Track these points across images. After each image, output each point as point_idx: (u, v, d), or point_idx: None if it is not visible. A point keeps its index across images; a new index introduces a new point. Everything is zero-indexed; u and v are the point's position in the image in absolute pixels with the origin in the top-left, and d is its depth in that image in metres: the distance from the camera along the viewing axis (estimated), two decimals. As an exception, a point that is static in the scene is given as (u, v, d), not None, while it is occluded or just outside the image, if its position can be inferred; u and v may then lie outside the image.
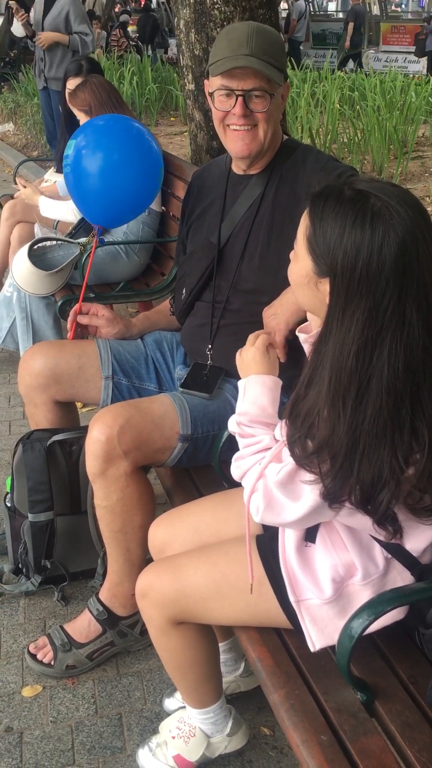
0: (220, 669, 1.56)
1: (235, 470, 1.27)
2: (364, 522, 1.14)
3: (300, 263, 1.14)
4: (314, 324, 1.24)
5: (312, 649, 1.23)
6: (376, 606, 1.13)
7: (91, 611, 1.82)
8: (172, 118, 9.64)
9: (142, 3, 20.70)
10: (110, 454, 1.62)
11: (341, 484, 1.08)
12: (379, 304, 1.03)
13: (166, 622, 1.40)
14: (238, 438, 1.31)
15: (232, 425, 1.33)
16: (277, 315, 1.71)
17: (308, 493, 1.14)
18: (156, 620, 1.41)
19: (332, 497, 1.10)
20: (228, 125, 1.71)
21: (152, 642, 1.46)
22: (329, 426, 1.07)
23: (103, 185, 2.13)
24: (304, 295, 1.18)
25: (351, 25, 14.24)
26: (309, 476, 1.11)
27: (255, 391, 1.34)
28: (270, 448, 1.23)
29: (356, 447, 1.06)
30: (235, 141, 1.73)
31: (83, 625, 1.83)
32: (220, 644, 1.65)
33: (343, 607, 1.22)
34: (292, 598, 1.23)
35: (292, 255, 1.20)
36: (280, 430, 1.21)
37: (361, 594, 1.22)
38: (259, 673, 1.29)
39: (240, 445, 1.30)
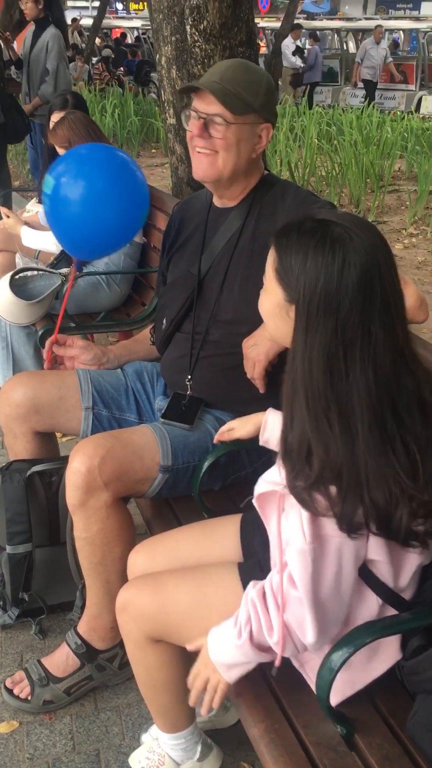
0: None
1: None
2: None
3: (270, 295, 1.18)
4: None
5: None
6: (354, 639, 1.14)
7: (69, 645, 1.80)
8: (153, 150, 9.78)
9: (120, 35, 21.04)
10: (91, 485, 1.62)
11: (353, 506, 1.08)
12: (345, 323, 1.07)
13: (144, 638, 1.40)
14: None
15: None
16: (257, 346, 1.73)
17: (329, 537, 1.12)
18: (134, 635, 1.40)
19: (348, 523, 1.09)
20: (194, 147, 1.75)
21: (129, 658, 1.45)
22: (323, 447, 1.08)
23: (84, 218, 2.10)
24: (276, 326, 1.21)
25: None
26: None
27: None
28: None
29: (358, 465, 1.07)
30: (196, 163, 1.77)
31: (61, 659, 1.81)
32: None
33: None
34: None
35: (262, 291, 1.23)
36: (279, 474, 1.19)
37: None
38: (238, 706, 1.28)
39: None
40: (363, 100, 13.96)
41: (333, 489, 1.09)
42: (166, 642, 1.40)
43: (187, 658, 1.45)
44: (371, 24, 16.37)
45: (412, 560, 1.19)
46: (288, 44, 14.56)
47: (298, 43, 14.94)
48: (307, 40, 16.48)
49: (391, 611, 1.20)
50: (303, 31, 15.64)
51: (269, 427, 1.50)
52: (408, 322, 1.15)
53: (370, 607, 1.20)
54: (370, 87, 14.20)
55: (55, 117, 3.27)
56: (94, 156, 2.18)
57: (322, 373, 1.07)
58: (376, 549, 1.16)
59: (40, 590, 1.99)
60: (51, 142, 3.13)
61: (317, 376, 1.08)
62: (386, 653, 1.21)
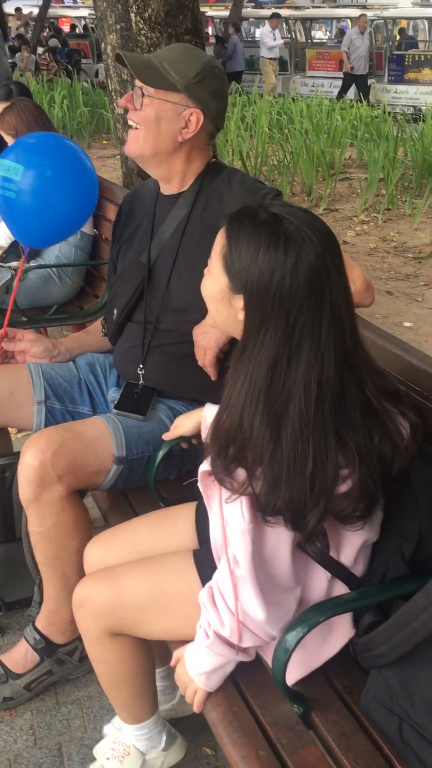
0: (155, 683, 1.55)
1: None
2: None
3: (214, 280, 1.19)
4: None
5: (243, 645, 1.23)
6: (307, 618, 1.15)
7: (27, 640, 1.79)
8: (104, 141, 9.68)
9: (69, 26, 20.75)
10: (44, 479, 1.61)
11: (270, 493, 1.10)
12: (294, 325, 1.08)
13: (102, 633, 1.39)
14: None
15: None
16: (207, 333, 1.73)
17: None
18: (92, 631, 1.40)
19: (264, 507, 1.11)
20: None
21: (88, 654, 1.45)
22: (249, 435, 1.10)
23: (35, 204, 2.09)
24: (216, 310, 1.22)
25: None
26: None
27: None
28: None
29: (280, 460, 1.09)
30: (128, 139, 1.79)
31: (20, 655, 1.79)
32: (157, 670, 1.64)
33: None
34: None
35: (205, 271, 1.24)
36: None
37: None
38: (216, 724, 1.28)
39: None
40: (313, 89, 14.01)
41: (246, 471, 1.11)
42: (124, 635, 1.40)
43: (146, 649, 1.45)
44: (319, 12, 16.42)
45: (357, 536, 1.21)
46: (266, 33, 14.44)
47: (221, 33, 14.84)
48: (230, 29, 16.37)
49: (342, 587, 1.22)
50: (280, 19, 15.45)
51: (208, 421, 1.50)
52: (356, 323, 1.16)
53: (320, 582, 1.22)
54: (360, 80, 13.42)
55: (0, 107, 3.21)
56: (43, 145, 2.17)
57: (266, 372, 1.09)
58: None
59: (-4, 587, 1.97)
60: None
61: (260, 373, 1.09)
62: (340, 632, 1.23)
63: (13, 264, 3.01)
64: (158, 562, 1.39)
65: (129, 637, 1.40)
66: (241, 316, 1.13)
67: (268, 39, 14.39)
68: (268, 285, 1.08)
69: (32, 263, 3.01)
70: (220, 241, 1.17)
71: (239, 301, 1.13)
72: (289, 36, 16.82)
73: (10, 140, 3.00)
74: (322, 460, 1.09)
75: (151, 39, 3.28)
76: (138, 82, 1.70)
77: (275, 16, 14.91)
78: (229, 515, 1.16)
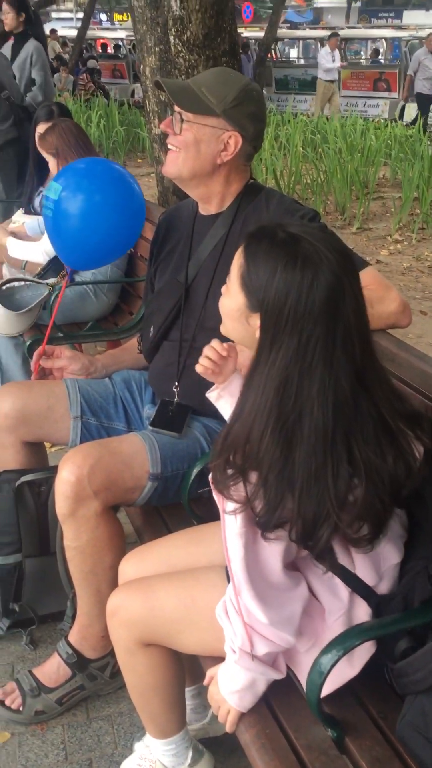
0: (185, 699, 1.55)
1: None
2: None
3: (232, 298, 1.21)
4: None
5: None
6: (344, 641, 1.15)
7: (60, 654, 1.80)
8: (138, 160, 9.81)
9: (109, 47, 21.13)
10: (80, 495, 1.62)
11: (272, 509, 1.11)
12: (307, 343, 1.09)
13: (134, 643, 1.40)
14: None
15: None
16: (242, 352, 1.74)
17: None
18: (124, 640, 1.41)
19: (265, 523, 1.12)
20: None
21: (119, 663, 1.46)
22: (258, 449, 1.11)
23: (84, 229, 2.11)
24: (234, 327, 1.25)
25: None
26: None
27: None
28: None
29: (292, 476, 1.10)
30: (166, 160, 1.81)
31: (52, 669, 1.81)
32: (187, 689, 1.65)
33: (312, 644, 1.24)
34: None
35: (223, 289, 1.26)
36: None
37: (331, 632, 1.23)
38: (249, 746, 1.28)
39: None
40: (347, 108, 14.03)
41: (254, 485, 1.12)
42: (155, 646, 1.40)
43: (177, 663, 1.46)
44: (354, 33, 16.44)
45: (376, 555, 1.20)
46: (324, 54, 14.18)
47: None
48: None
49: (362, 602, 1.22)
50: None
51: None
52: (375, 349, 1.18)
53: (340, 595, 1.22)
54: (423, 101, 12.64)
55: (41, 128, 3.28)
56: (92, 169, 2.20)
57: (276, 386, 1.10)
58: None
59: (30, 601, 1.99)
60: (39, 148, 3.14)
61: (272, 389, 1.10)
62: (361, 649, 1.21)
63: (51, 280, 3.06)
64: (192, 576, 1.41)
65: (161, 648, 1.41)
66: (257, 333, 1.15)
67: (326, 60, 14.07)
68: (283, 303, 1.10)
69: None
70: (238, 260, 1.19)
71: (256, 320, 1.15)
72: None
73: (50, 159, 3.06)
74: (334, 476, 1.10)
75: (189, 61, 3.32)
76: (177, 108, 1.73)
77: (333, 35, 14.63)
78: (226, 519, 1.17)
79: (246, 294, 1.17)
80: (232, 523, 1.16)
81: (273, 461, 1.10)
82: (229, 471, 1.15)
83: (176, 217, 2.02)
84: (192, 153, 1.74)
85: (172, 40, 3.28)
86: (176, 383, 1.88)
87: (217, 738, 1.72)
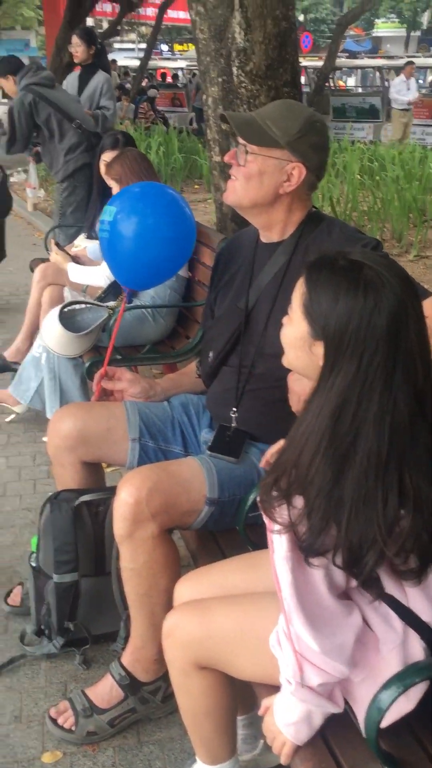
0: (236, 725, 1.54)
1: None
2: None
3: (295, 326, 1.22)
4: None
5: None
6: (403, 678, 1.13)
7: (113, 676, 1.81)
8: (196, 186, 9.94)
9: (168, 77, 21.59)
10: (138, 517, 1.64)
11: (316, 534, 1.11)
12: (368, 367, 1.09)
13: (188, 664, 1.40)
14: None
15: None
16: (301, 379, 1.73)
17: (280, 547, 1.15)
18: (179, 661, 1.41)
19: (308, 547, 1.12)
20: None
21: (173, 685, 1.45)
22: (305, 475, 1.11)
23: (137, 248, 2.17)
24: (296, 356, 1.25)
25: None
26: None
27: None
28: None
29: (340, 501, 1.10)
30: (227, 188, 1.84)
31: (105, 690, 1.81)
32: (239, 718, 1.63)
33: (367, 675, 1.21)
34: None
35: (285, 319, 1.27)
36: None
37: (386, 663, 1.21)
38: None
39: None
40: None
41: (298, 509, 1.12)
42: (210, 669, 1.40)
43: (230, 688, 1.45)
44: (423, 62, 16.27)
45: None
46: (398, 83, 14.11)
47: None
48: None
49: (414, 635, 1.19)
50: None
51: None
52: None
53: (393, 625, 1.19)
54: None
55: (107, 156, 3.37)
56: (146, 193, 2.26)
57: (332, 409, 1.10)
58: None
59: (84, 620, 2.01)
60: (105, 175, 3.23)
61: (328, 412, 1.11)
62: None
63: (111, 303, 3.12)
64: (250, 600, 1.40)
65: (215, 671, 1.40)
66: (320, 362, 1.15)
67: (401, 89, 13.96)
68: (345, 328, 1.10)
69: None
70: (300, 288, 1.20)
71: (319, 348, 1.15)
72: (381, 85, 16.94)
73: (114, 186, 3.14)
74: (383, 503, 1.09)
75: (251, 91, 3.37)
76: (241, 140, 1.76)
77: (409, 63, 14.49)
78: (273, 541, 1.17)
79: (309, 322, 1.17)
80: (279, 545, 1.16)
81: (322, 485, 1.10)
82: (275, 493, 1.15)
83: (237, 245, 2.05)
84: (255, 183, 1.76)
85: (234, 71, 3.35)
86: (234, 409, 1.89)
87: (268, 769, 1.70)
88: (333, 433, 1.10)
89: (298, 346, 1.22)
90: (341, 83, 20.63)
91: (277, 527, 1.15)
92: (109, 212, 2.18)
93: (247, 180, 1.76)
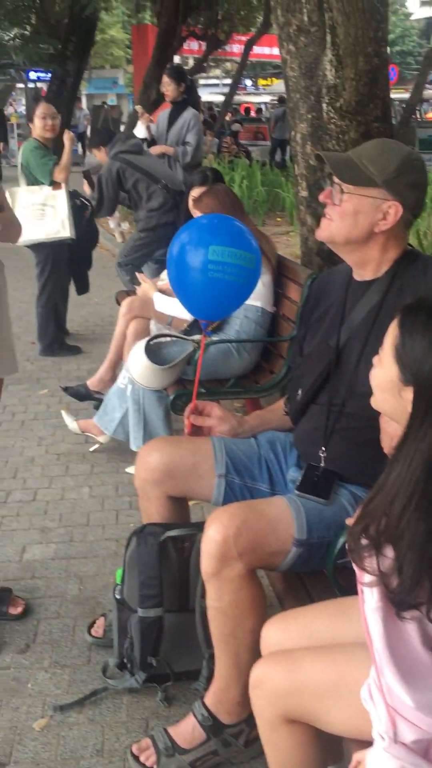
0: None
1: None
2: None
3: (385, 369, 1.20)
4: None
5: None
6: None
7: (195, 716, 1.79)
8: (278, 219, 10.00)
9: (252, 111, 21.95)
10: (225, 555, 1.63)
11: (409, 588, 1.07)
12: None
13: (277, 717, 1.37)
14: None
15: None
16: (390, 422, 1.70)
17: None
18: (267, 714, 1.38)
19: (400, 601, 1.08)
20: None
21: (261, 737, 1.42)
22: (396, 527, 1.08)
23: (203, 279, 2.13)
24: (385, 399, 1.23)
25: None
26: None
27: None
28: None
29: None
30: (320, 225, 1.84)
31: (187, 730, 1.79)
32: (328, 768, 1.58)
33: None
34: None
35: (375, 360, 1.25)
36: None
37: None
38: None
39: None
40: None
41: (389, 560, 1.09)
42: (299, 723, 1.36)
43: (320, 742, 1.40)
44: None
45: None
46: None
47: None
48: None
49: None
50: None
51: None
52: None
53: None
54: None
55: (196, 191, 3.44)
56: (214, 225, 2.26)
57: (425, 461, 1.08)
58: None
59: (167, 656, 2.00)
60: (194, 209, 3.28)
61: (420, 464, 1.08)
62: None
63: (196, 337, 3.15)
64: (340, 651, 1.36)
65: (304, 725, 1.36)
66: (409, 407, 1.12)
67: None
68: None
69: (214, 338, 3.14)
70: (393, 331, 1.18)
71: (409, 394, 1.13)
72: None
73: (203, 222, 3.18)
74: None
75: (341, 127, 3.38)
76: (336, 179, 1.75)
77: None
78: (363, 592, 1.14)
79: (399, 367, 1.15)
80: (369, 596, 1.13)
81: (414, 538, 1.07)
82: (364, 541, 1.12)
83: (329, 282, 2.04)
84: (349, 222, 1.76)
85: (324, 107, 3.36)
86: (323, 448, 1.86)
87: None
88: (426, 486, 1.07)
89: (387, 389, 1.20)
90: (428, 115, 20.45)
91: (367, 578, 1.12)
92: (174, 243, 2.18)
93: (341, 218, 1.76)
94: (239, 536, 1.63)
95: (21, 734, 1.91)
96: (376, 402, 1.28)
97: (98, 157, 5.04)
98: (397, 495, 1.09)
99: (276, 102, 19.29)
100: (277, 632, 1.52)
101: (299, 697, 1.33)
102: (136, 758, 1.79)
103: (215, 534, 1.64)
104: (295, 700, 1.34)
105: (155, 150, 5.73)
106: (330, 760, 1.59)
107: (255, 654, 1.61)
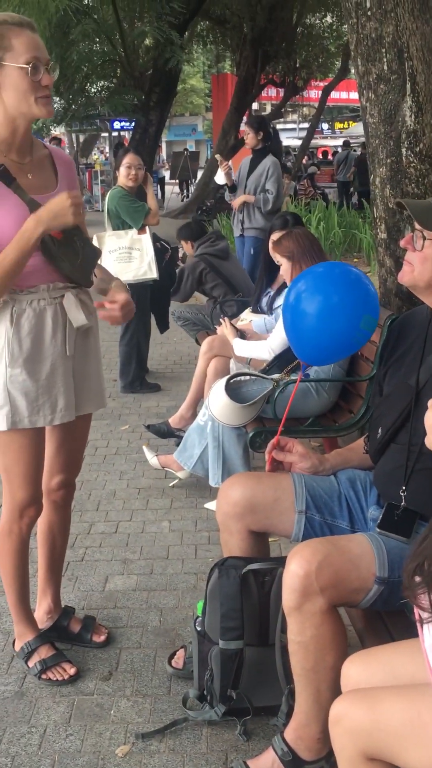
0: None
1: None
2: None
3: None
4: None
5: None
6: None
7: (275, 750, 1.80)
8: (355, 260, 10.03)
9: (330, 154, 22.18)
10: (307, 590, 1.66)
11: None
12: None
13: (357, 755, 1.37)
14: None
15: None
16: None
17: None
18: (348, 751, 1.39)
19: None
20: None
21: None
22: None
23: (320, 327, 2.12)
24: None
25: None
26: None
27: None
28: None
29: None
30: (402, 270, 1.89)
31: (267, 764, 1.81)
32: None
33: None
34: None
35: (430, 402, 1.29)
36: None
37: None
38: None
39: None
40: None
41: None
42: (379, 761, 1.37)
43: None
44: None
45: None
46: None
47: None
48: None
49: None
50: None
51: None
52: None
53: None
54: None
55: (275, 235, 3.54)
56: (330, 273, 2.27)
57: None
58: None
59: (246, 690, 2.02)
60: (274, 252, 3.38)
61: None
62: None
63: (275, 376, 3.21)
64: (419, 691, 1.36)
65: (384, 764, 1.37)
66: None
67: None
68: None
69: (293, 376, 3.19)
70: None
71: None
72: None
73: (284, 262, 3.27)
74: None
75: (420, 170, 3.43)
76: (418, 225, 1.80)
77: None
78: (423, 629, 1.17)
79: None
80: (427, 633, 1.15)
81: None
82: (417, 579, 1.15)
83: (409, 322, 2.07)
84: (429, 267, 1.80)
85: (404, 152, 3.42)
86: (403, 487, 1.88)
87: None
88: None
89: None
90: None
91: (425, 615, 1.14)
92: (290, 290, 2.21)
93: (422, 263, 1.80)
94: (321, 571, 1.66)
95: (104, 759, 1.97)
96: (429, 442, 1.31)
97: (185, 248, 5.27)
98: None
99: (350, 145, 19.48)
100: (357, 669, 1.54)
101: (378, 735, 1.34)
102: (216, 789, 1.82)
103: (298, 568, 1.68)
104: (375, 739, 1.34)
105: (237, 201, 5.90)
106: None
107: (335, 691, 1.63)
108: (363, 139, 3.89)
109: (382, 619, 1.81)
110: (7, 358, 2.00)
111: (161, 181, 18.80)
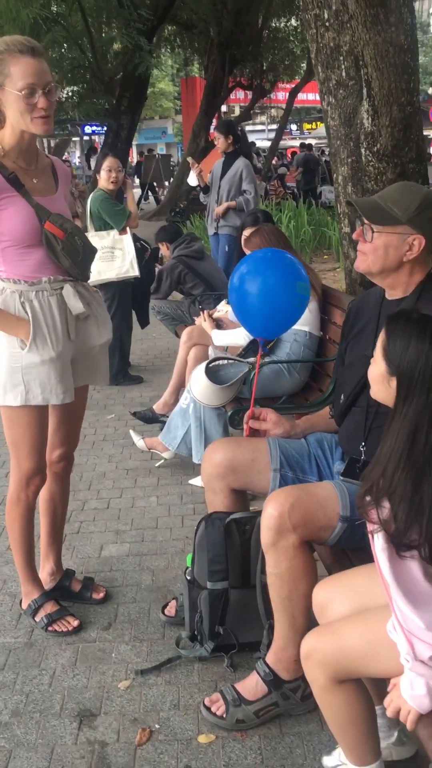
0: (377, 730, 1.75)
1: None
2: None
3: (377, 365, 1.55)
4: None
5: None
6: None
7: (258, 672, 2.08)
8: (325, 256, 10.35)
9: (297, 152, 22.53)
10: (281, 528, 1.94)
11: (403, 532, 1.41)
12: None
13: (329, 681, 1.63)
14: None
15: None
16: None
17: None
18: (320, 680, 1.64)
19: (398, 542, 1.42)
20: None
21: (317, 701, 1.68)
22: (391, 482, 1.44)
23: (261, 303, 2.48)
24: (378, 390, 1.57)
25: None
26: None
27: None
28: None
29: (421, 511, 1.41)
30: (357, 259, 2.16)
31: (251, 685, 2.08)
32: (376, 707, 1.84)
33: None
34: None
35: (372, 360, 1.59)
36: None
37: None
38: (417, 739, 1.47)
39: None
40: None
41: (386, 511, 1.43)
42: (348, 682, 1.63)
43: (368, 696, 1.67)
44: None
45: None
46: None
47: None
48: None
49: None
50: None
51: None
52: None
53: None
54: None
55: (247, 232, 3.81)
56: (269, 257, 2.60)
57: (408, 433, 1.43)
58: None
59: (232, 628, 2.29)
60: (245, 248, 3.66)
61: (404, 436, 1.43)
62: None
63: (250, 359, 3.49)
64: (373, 614, 1.62)
65: (352, 684, 1.63)
66: (395, 393, 1.46)
67: None
68: (414, 367, 1.43)
69: (267, 359, 3.47)
70: (382, 336, 1.53)
71: (394, 382, 1.47)
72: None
73: (255, 257, 3.55)
74: None
75: (378, 169, 3.73)
76: (366, 221, 2.08)
77: None
78: (373, 538, 1.47)
79: (386, 362, 1.50)
80: (377, 540, 1.46)
81: (404, 493, 1.42)
82: (367, 498, 1.46)
83: (365, 302, 2.36)
84: (381, 255, 2.07)
85: (363, 152, 3.73)
86: (363, 443, 2.17)
87: (401, 761, 1.89)
88: (410, 452, 1.43)
89: (379, 381, 1.55)
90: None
91: (374, 527, 1.44)
92: (235, 274, 2.53)
93: (373, 252, 2.08)
94: (293, 512, 1.94)
95: (108, 692, 2.23)
96: (374, 392, 1.62)
97: (162, 250, 5.51)
98: (388, 462, 1.45)
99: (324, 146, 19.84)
100: (324, 592, 1.81)
101: (344, 660, 1.60)
102: (208, 708, 2.09)
103: (273, 510, 1.95)
104: (341, 663, 1.61)
105: (221, 209, 6.16)
106: (377, 699, 1.86)
107: (308, 617, 1.90)
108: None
109: (347, 555, 2.09)
110: (22, 343, 2.24)
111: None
